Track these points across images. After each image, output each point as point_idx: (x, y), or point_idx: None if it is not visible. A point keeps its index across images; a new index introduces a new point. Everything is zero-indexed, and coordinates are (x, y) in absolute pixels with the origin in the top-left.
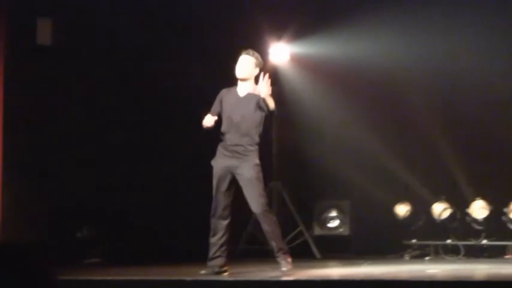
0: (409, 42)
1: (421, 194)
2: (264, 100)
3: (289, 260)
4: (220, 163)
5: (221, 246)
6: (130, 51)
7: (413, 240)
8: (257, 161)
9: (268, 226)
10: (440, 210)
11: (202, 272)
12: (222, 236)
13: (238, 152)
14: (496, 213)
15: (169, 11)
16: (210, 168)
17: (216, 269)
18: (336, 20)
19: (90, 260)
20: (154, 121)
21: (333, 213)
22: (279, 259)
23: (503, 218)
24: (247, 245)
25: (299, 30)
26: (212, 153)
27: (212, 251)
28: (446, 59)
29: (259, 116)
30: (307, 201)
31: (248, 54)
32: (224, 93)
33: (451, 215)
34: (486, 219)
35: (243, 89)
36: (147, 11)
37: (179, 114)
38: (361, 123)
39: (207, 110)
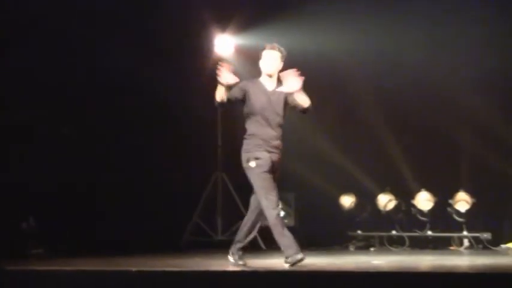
0: (355, 35)
1: (366, 185)
2: (296, 96)
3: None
4: (267, 157)
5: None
6: (76, 49)
7: (358, 232)
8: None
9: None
10: (385, 201)
11: (240, 263)
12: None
13: (276, 147)
14: (441, 205)
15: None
16: (150, 155)
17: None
18: (280, 13)
19: (34, 250)
20: (100, 114)
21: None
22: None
23: (448, 209)
24: (193, 235)
25: (243, 22)
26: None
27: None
28: (393, 53)
29: (286, 110)
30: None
31: (274, 49)
32: (248, 85)
33: (396, 207)
34: (431, 210)
35: (269, 83)
36: (90, 6)
37: (127, 106)
38: (306, 115)
39: (156, 101)
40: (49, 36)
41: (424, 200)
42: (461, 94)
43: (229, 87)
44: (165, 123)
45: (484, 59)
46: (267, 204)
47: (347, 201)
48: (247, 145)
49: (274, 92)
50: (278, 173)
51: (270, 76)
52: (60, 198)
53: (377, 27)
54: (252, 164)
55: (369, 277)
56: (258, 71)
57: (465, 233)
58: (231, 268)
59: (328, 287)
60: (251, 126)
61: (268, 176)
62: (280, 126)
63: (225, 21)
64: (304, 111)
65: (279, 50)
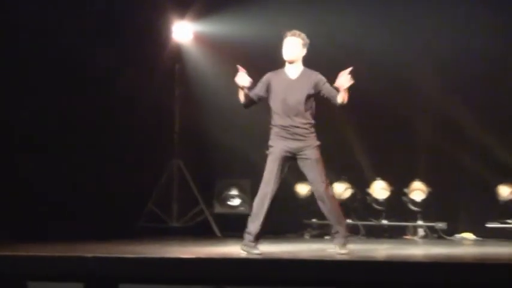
0: (313, 20)
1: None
2: (339, 92)
3: (346, 245)
4: (280, 146)
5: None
6: (33, 31)
7: (314, 220)
8: (318, 142)
9: (330, 206)
10: (341, 190)
11: (256, 252)
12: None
13: (299, 134)
14: (396, 194)
15: None
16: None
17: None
18: (238, 0)
19: None
20: (54, 99)
21: (234, 192)
22: (334, 241)
23: (404, 198)
24: (147, 222)
25: (202, 9)
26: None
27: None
28: (351, 41)
29: (312, 97)
30: (208, 179)
31: (294, 35)
32: (271, 76)
33: (351, 195)
34: (386, 199)
35: (292, 71)
36: None
37: (82, 92)
38: (263, 102)
39: (113, 87)
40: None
41: (379, 189)
42: (418, 83)
43: (248, 89)
44: (121, 110)
45: (442, 48)
46: (259, 192)
47: (303, 189)
48: (270, 135)
49: (297, 79)
50: (310, 161)
51: (291, 63)
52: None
53: (335, 15)
54: (268, 151)
55: (324, 265)
56: (215, 58)
57: (420, 222)
58: (185, 255)
59: (283, 275)
60: (274, 115)
61: (275, 165)
62: (303, 113)
63: (183, 8)
64: (338, 106)
65: (300, 37)
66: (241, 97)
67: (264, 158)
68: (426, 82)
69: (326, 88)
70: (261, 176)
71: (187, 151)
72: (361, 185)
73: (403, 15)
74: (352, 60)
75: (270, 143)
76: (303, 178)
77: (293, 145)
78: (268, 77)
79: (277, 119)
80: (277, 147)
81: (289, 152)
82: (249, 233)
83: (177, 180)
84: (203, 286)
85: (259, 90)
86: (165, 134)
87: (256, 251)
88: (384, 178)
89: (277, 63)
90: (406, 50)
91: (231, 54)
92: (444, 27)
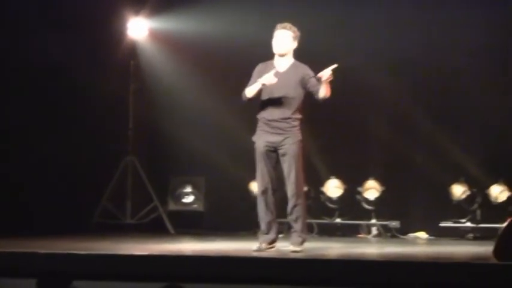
0: (266, 18)
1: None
2: (319, 84)
3: (302, 244)
4: (263, 139)
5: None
6: None
7: None
8: (300, 137)
9: (295, 206)
10: None
11: (254, 248)
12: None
13: (280, 128)
14: (350, 192)
15: None
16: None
17: (265, 246)
18: None
19: None
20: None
21: (188, 189)
22: (291, 239)
23: (357, 197)
24: (102, 218)
25: (157, 5)
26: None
27: (264, 228)
28: (305, 38)
29: (301, 91)
30: (163, 176)
31: (285, 28)
32: (262, 68)
33: (305, 193)
34: (340, 198)
35: (282, 63)
36: None
37: (36, 87)
38: (217, 98)
39: (67, 84)
40: None
41: (333, 188)
42: (372, 82)
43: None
44: (75, 106)
45: (396, 47)
46: (257, 190)
47: (256, 187)
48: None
49: (285, 72)
50: (287, 157)
51: (282, 56)
52: None
53: (288, 13)
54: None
55: (275, 263)
56: (173, 54)
57: (374, 221)
58: (138, 252)
59: (236, 273)
60: (260, 108)
61: (262, 160)
62: (290, 107)
63: (138, 4)
64: (319, 100)
65: (291, 30)
66: (254, 93)
67: (219, 156)
68: (380, 81)
69: (311, 82)
70: (215, 173)
71: (142, 148)
72: (314, 184)
73: (356, 13)
74: (305, 58)
75: (253, 137)
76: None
77: (272, 139)
78: (259, 68)
79: (262, 112)
80: (258, 142)
81: (270, 146)
82: (262, 226)
83: (131, 177)
84: (156, 283)
85: (252, 83)
86: (120, 130)
87: (255, 247)
88: (337, 177)
89: (232, 58)
90: (360, 49)
91: (186, 51)
92: (397, 26)
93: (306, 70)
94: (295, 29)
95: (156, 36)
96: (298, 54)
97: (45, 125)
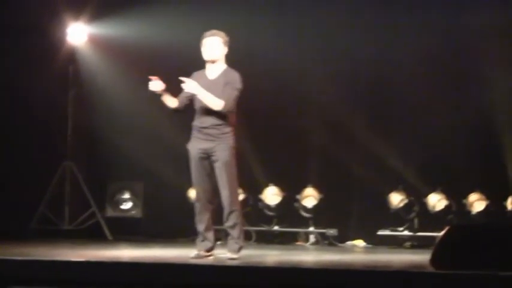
0: (206, 24)
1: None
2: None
3: (239, 251)
4: (195, 146)
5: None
6: None
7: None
8: (233, 143)
9: (231, 213)
10: None
11: (191, 256)
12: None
13: (211, 135)
14: (288, 200)
15: None
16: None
17: (203, 253)
18: (132, 2)
19: None
20: None
21: (126, 195)
22: (228, 246)
23: (296, 204)
24: (39, 224)
25: (96, 11)
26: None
27: (201, 235)
28: (244, 45)
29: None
30: (101, 182)
31: (214, 35)
32: (195, 77)
33: (243, 200)
34: (278, 205)
35: (213, 71)
36: None
37: None
38: (157, 105)
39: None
40: None
41: (271, 195)
42: (311, 90)
43: (167, 94)
44: (13, 111)
45: (335, 55)
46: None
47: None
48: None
49: (215, 80)
50: (219, 163)
51: (213, 62)
52: None
53: (228, 18)
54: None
55: (213, 271)
56: (112, 60)
57: (312, 228)
58: (75, 258)
59: (173, 279)
60: (194, 116)
61: (195, 167)
62: (220, 114)
63: (78, 10)
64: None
65: (220, 35)
66: (167, 103)
67: (157, 162)
68: (319, 89)
69: (223, 91)
70: (154, 179)
71: (80, 153)
72: (253, 191)
73: (296, 22)
74: (245, 66)
75: (188, 145)
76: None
77: (204, 145)
78: (192, 77)
79: (195, 120)
80: (192, 149)
81: (203, 153)
82: (198, 233)
83: (69, 182)
84: None
85: (185, 93)
86: (58, 135)
87: (193, 254)
88: (276, 184)
89: (172, 64)
90: (299, 57)
91: (125, 57)
92: (338, 34)
93: (231, 78)
94: (224, 34)
95: (95, 41)
96: (242, 59)
97: None
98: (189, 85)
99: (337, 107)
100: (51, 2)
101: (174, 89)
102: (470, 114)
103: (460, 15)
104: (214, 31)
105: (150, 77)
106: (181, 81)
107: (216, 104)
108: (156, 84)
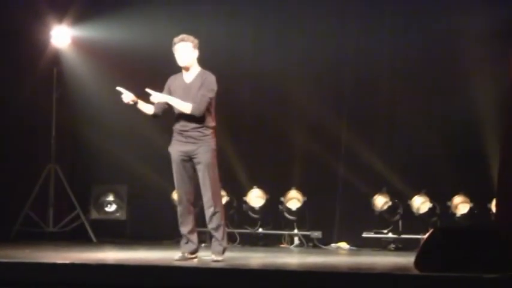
0: (191, 26)
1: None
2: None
3: (223, 253)
4: (176, 149)
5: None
6: None
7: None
8: (214, 145)
9: (213, 214)
10: None
11: (176, 258)
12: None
13: (192, 137)
14: (272, 202)
15: None
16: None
17: (187, 255)
18: (115, 5)
19: None
20: None
21: (110, 198)
22: (212, 248)
23: (280, 207)
24: (24, 226)
25: (80, 14)
26: None
27: (184, 237)
28: (226, 47)
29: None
30: (85, 184)
31: (183, 40)
32: (171, 80)
33: (227, 203)
34: (262, 207)
35: (189, 74)
36: None
37: None
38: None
39: None
40: None
41: (255, 197)
42: (294, 91)
43: (142, 102)
44: None
45: (317, 56)
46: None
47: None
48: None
49: (191, 83)
50: (201, 165)
51: (187, 69)
52: None
53: (210, 21)
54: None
55: (198, 272)
56: (96, 62)
57: (296, 231)
58: (60, 260)
59: (158, 282)
60: (174, 119)
61: (177, 170)
62: (198, 117)
63: (61, 13)
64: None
65: (189, 40)
66: (143, 111)
67: (141, 164)
68: (303, 91)
69: (199, 91)
70: (138, 181)
71: (64, 155)
72: (237, 193)
73: (278, 23)
74: (228, 68)
75: (169, 148)
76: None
77: (186, 148)
78: (168, 82)
79: (175, 123)
80: (173, 152)
81: (185, 155)
82: (182, 235)
83: (54, 184)
84: None
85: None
86: (42, 137)
87: (177, 256)
88: (260, 186)
89: (155, 67)
90: (283, 59)
91: (109, 59)
92: (322, 32)
93: (205, 80)
94: (192, 38)
95: (78, 44)
96: (223, 61)
97: None
98: (156, 96)
99: (320, 109)
100: (34, 4)
101: (155, 91)
102: (454, 117)
103: (447, 19)
104: (182, 36)
105: (118, 89)
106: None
107: (186, 107)
108: (126, 96)
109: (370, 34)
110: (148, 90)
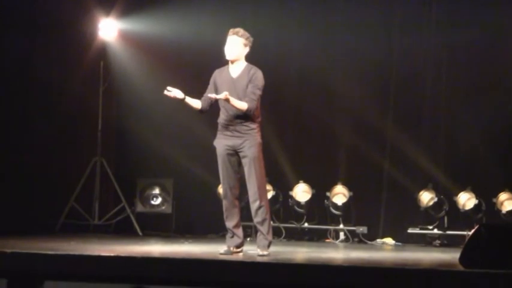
0: (235, 20)
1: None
2: (248, 95)
3: (268, 247)
4: (222, 143)
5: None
6: None
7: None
8: (259, 139)
9: (259, 208)
10: None
11: (221, 252)
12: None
13: (238, 131)
14: (318, 197)
15: None
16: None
17: (233, 249)
18: None
19: None
20: None
21: (156, 191)
22: (257, 242)
23: (326, 202)
24: (69, 219)
25: (127, 7)
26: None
27: (230, 231)
28: (272, 42)
29: None
30: (131, 177)
31: (236, 34)
32: (217, 74)
33: (273, 197)
34: (308, 202)
35: (235, 69)
36: None
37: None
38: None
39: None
40: None
41: (301, 192)
42: (341, 87)
43: (189, 98)
44: (45, 106)
45: (362, 50)
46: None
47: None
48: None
49: (238, 78)
50: (247, 159)
51: (232, 62)
52: None
53: (256, 15)
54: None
55: (244, 266)
56: (143, 56)
57: (341, 226)
58: (106, 253)
59: (203, 275)
60: (220, 113)
61: (222, 164)
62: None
63: (108, 5)
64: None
65: (242, 36)
66: (191, 106)
67: (187, 158)
68: (349, 86)
69: (248, 88)
70: (184, 175)
71: (111, 149)
72: (283, 188)
73: (325, 20)
74: (273, 63)
75: (214, 142)
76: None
77: (231, 142)
78: (214, 76)
79: (221, 116)
80: (218, 145)
81: (231, 149)
82: (228, 229)
83: (100, 177)
84: (123, 284)
85: (209, 91)
86: (89, 131)
87: (222, 250)
88: (306, 181)
89: (201, 60)
90: (329, 55)
91: (156, 52)
92: (367, 29)
93: (253, 76)
94: (247, 34)
95: (125, 37)
96: (272, 57)
97: (16, 125)
98: (218, 95)
99: (366, 105)
100: None
101: (202, 85)
102: (499, 114)
103: (493, 16)
104: (237, 30)
105: (167, 89)
106: (208, 81)
107: (243, 106)
108: (175, 93)
109: (415, 30)
110: (169, 88)
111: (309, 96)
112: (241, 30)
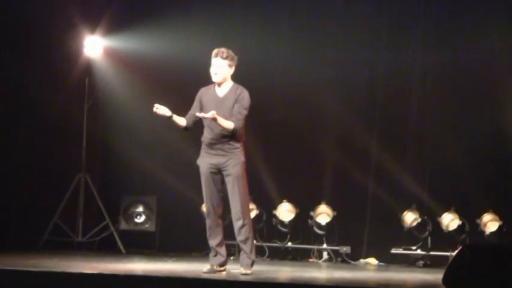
0: (220, 38)
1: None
2: (235, 114)
3: (251, 266)
4: (206, 162)
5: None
6: None
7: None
8: (243, 158)
9: (242, 227)
10: None
11: (204, 270)
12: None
13: (222, 150)
14: (302, 217)
15: None
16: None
17: (216, 268)
18: (147, 16)
19: None
20: None
21: (140, 209)
22: (240, 261)
23: (309, 221)
24: (52, 236)
25: (112, 24)
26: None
27: (213, 250)
28: (258, 56)
29: None
30: (115, 194)
31: (221, 56)
32: (203, 92)
33: (257, 216)
34: (292, 222)
35: (221, 88)
36: None
37: None
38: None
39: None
40: None
41: (285, 211)
42: (325, 106)
43: (175, 116)
44: (29, 123)
45: (347, 67)
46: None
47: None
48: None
49: (224, 97)
50: (231, 178)
51: (219, 85)
52: None
53: (242, 33)
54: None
55: (226, 285)
56: (128, 73)
57: (325, 245)
58: (89, 270)
59: None
60: (204, 131)
61: (206, 182)
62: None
63: (94, 23)
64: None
65: (225, 57)
66: (177, 123)
67: (171, 176)
68: (334, 105)
69: (234, 108)
70: (168, 193)
71: (95, 165)
72: (267, 207)
73: (311, 39)
74: (258, 81)
75: (198, 161)
76: None
77: (215, 161)
78: (199, 94)
79: (205, 135)
80: (202, 164)
81: (214, 168)
82: (211, 248)
83: (83, 195)
84: None
85: (194, 109)
86: (73, 147)
87: (205, 268)
88: (290, 200)
89: (186, 78)
90: (314, 73)
91: (141, 69)
92: (353, 46)
93: (239, 94)
94: (231, 54)
95: (111, 54)
96: (257, 73)
97: (0, 141)
98: (205, 114)
99: (351, 124)
100: (68, 15)
101: (186, 103)
102: (484, 135)
103: (476, 34)
104: (221, 51)
105: (156, 106)
106: (193, 99)
107: (229, 125)
108: (163, 111)
109: (400, 49)
110: (157, 106)
111: (294, 115)
112: (225, 51)
